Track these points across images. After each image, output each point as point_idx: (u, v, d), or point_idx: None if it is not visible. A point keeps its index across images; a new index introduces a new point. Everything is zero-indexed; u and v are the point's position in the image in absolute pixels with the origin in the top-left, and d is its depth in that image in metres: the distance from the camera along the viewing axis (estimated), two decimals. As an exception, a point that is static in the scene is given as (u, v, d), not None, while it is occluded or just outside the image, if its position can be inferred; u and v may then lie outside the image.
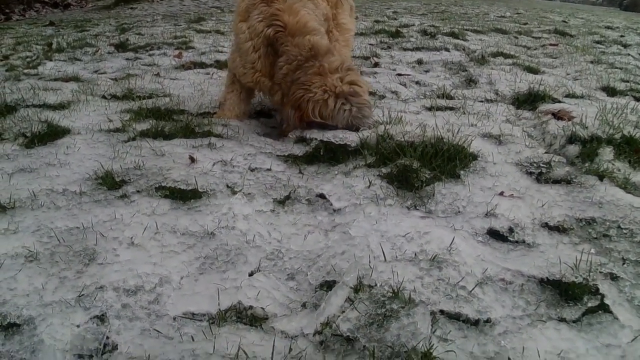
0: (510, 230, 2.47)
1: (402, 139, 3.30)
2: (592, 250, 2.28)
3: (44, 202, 2.76)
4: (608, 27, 12.28)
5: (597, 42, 9.12)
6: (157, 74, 6.06)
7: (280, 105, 3.67)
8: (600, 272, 2.13)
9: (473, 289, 2.04)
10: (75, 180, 3.01)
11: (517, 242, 2.41)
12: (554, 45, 8.35)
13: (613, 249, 2.31)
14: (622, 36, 10.12)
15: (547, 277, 2.13)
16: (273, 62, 3.64)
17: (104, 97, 4.96)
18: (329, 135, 3.43)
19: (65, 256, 2.29)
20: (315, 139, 3.45)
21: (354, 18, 4.39)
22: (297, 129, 3.56)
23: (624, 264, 2.21)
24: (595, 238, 2.41)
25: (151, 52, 7.88)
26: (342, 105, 3.38)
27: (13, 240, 2.41)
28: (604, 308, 1.97)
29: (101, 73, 6.46)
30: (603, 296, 2.01)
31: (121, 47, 8.35)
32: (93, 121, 4.13)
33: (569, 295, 2.04)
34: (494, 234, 2.46)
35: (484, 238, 2.43)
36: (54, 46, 8.76)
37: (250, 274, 2.18)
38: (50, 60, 7.40)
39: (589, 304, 1.99)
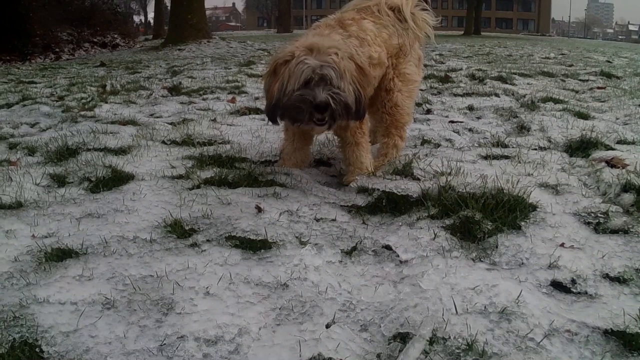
0: (573, 281, 2.51)
1: (464, 190, 3.35)
2: (654, 301, 2.31)
3: (115, 249, 2.83)
4: (653, 67, 12.24)
5: (644, 84, 9.10)
6: (214, 120, 6.19)
7: None
8: (662, 323, 2.16)
9: (541, 340, 2.08)
10: (144, 228, 3.09)
11: (579, 293, 2.44)
12: (601, 88, 8.36)
13: (674, 299, 2.34)
14: (668, 75, 10.08)
15: (611, 328, 2.15)
16: None
17: (163, 142, 5.07)
18: (391, 186, 3.51)
19: (143, 305, 2.34)
20: (377, 189, 3.52)
21: (421, 69, 4.37)
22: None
23: (686, 314, 2.24)
24: (656, 288, 2.44)
25: (204, 96, 8.07)
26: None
27: (89, 287, 2.47)
28: (669, 359, 1.99)
29: (157, 117, 6.64)
30: (667, 347, 2.03)
31: (174, 90, 8.56)
32: (156, 167, 4.23)
33: (632, 345, 2.07)
34: (558, 286, 2.51)
35: (548, 290, 2.47)
36: (108, 88, 9.01)
37: (327, 326, 2.23)
38: (106, 102, 7.62)
39: (654, 355, 2.01)
